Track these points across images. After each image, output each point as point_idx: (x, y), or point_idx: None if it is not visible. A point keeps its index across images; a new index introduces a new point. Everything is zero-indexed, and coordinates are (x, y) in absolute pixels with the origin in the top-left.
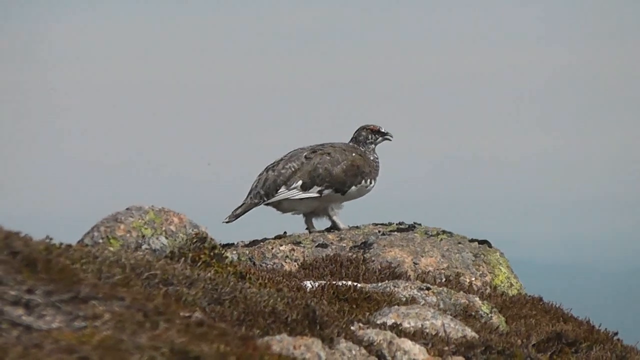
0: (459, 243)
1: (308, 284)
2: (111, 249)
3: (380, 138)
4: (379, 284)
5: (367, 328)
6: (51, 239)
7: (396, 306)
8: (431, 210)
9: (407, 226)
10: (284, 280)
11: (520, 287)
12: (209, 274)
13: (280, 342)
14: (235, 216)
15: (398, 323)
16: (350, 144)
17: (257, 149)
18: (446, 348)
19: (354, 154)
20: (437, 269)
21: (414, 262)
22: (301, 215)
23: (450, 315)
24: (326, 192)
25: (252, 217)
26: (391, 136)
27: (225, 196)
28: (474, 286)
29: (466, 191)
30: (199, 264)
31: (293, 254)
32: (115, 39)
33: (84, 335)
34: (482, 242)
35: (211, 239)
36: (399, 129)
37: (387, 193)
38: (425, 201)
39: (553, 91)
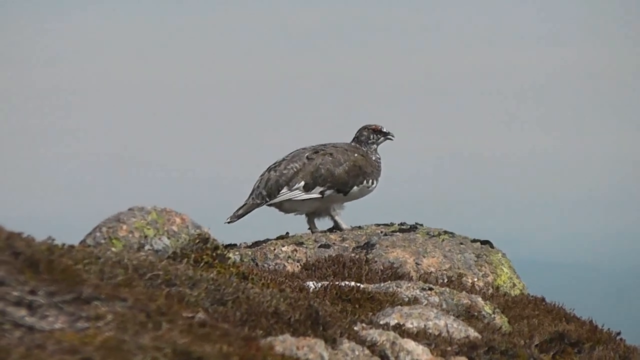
0: (461, 243)
1: (311, 284)
2: (113, 249)
3: (382, 138)
4: (382, 285)
5: (370, 328)
6: (53, 239)
7: (399, 306)
8: (432, 209)
9: (409, 227)
10: (287, 280)
11: (523, 287)
12: (211, 275)
13: (283, 342)
14: (237, 217)
15: (401, 323)
16: (352, 144)
17: (258, 149)
18: (449, 348)
19: (356, 155)
20: (439, 270)
21: (416, 263)
22: (303, 216)
23: (453, 315)
24: (328, 192)
25: (254, 217)
26: (393, 136)
27: (227, 196)
28: (477, 287)
29: (467, 191)
30: (201, 264)
31: (295, 255)
32: (115, 39)
33: (86, 336)
34: (484, 242)
35: (213, 239)
36: (400, 128)
37: (388, 192)
38: (427, 200)
39: (553, 91)
